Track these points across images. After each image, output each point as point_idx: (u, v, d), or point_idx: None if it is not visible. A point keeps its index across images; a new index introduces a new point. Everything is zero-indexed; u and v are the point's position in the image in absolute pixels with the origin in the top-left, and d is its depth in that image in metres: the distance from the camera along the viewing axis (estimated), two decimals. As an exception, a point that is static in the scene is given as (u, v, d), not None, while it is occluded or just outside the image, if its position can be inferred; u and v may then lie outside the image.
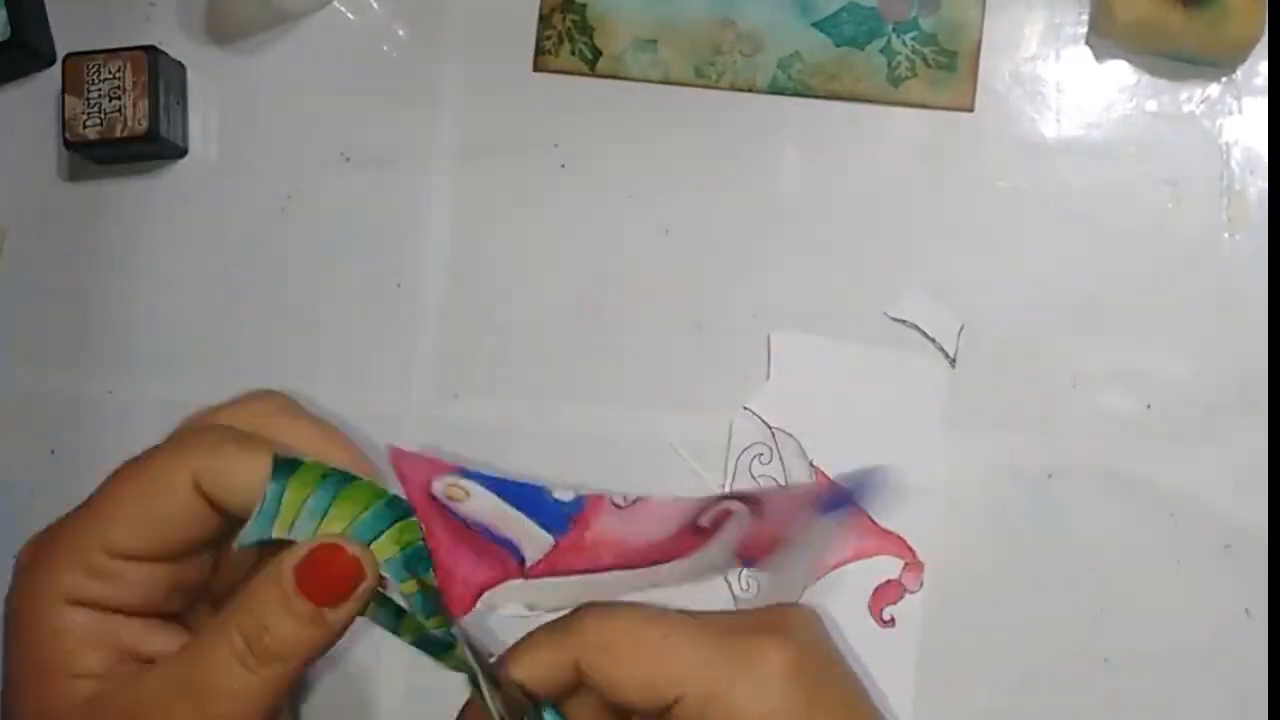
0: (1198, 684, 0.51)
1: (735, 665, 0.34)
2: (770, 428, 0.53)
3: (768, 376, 0.54)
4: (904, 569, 0.46)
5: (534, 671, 0.35)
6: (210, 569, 0.37)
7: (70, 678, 0.33)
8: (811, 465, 0.53)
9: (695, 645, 0.35)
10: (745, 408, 0.54)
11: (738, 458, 0.53)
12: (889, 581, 0.47)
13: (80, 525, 0.34)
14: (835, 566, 0.47)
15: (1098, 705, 0.52)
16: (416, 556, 0.34)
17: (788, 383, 0.54)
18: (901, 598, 0.47)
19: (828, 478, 0.53)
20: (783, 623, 0.37)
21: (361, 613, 0.34)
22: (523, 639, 0.36)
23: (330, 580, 0.33)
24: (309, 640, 0.33)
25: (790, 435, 0.53)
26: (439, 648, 0.36)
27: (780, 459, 0.53)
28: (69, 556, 0.34)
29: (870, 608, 0.46)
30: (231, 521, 0.35)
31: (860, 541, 0.46)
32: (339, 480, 0.34)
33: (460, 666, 0.35)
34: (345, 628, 0.34)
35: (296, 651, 0.33)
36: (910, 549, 0.47)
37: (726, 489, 0.53)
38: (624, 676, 0.35)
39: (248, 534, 0.33)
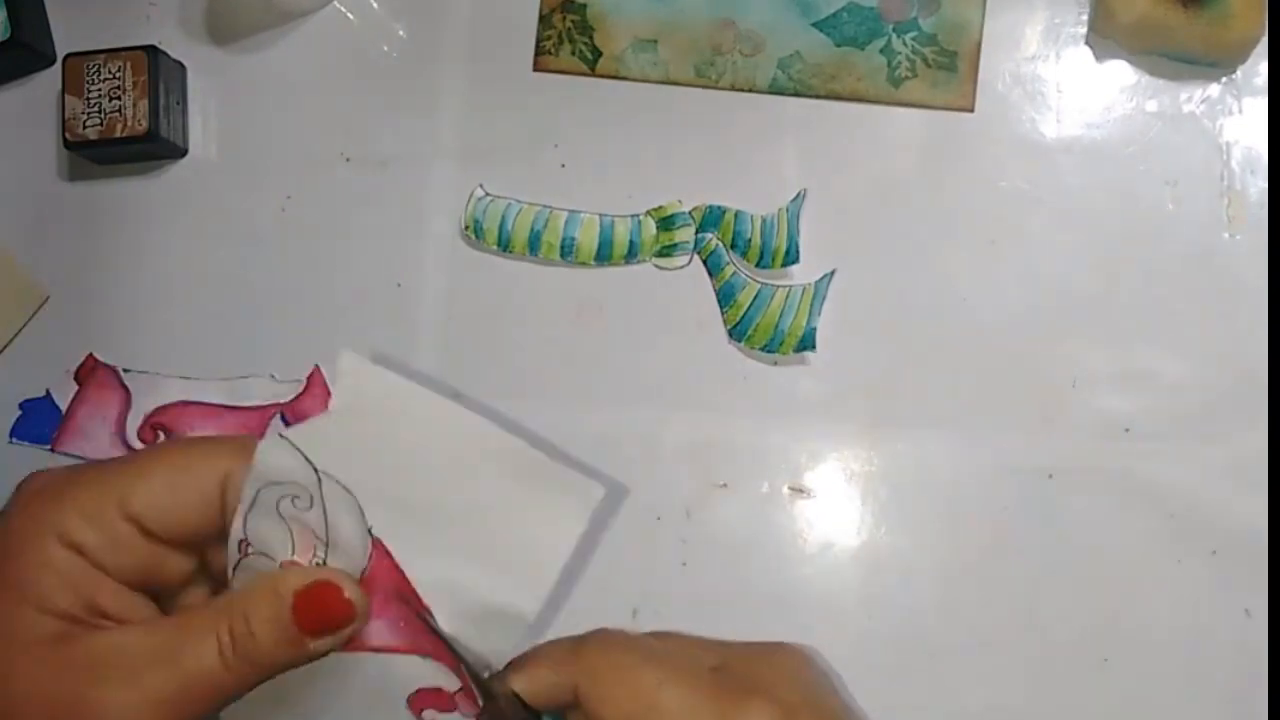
0: (1198, 684, 0.51)
1: None
2: (315, 469, 0.37)
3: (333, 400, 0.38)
4: (459, 692, 0.37)
5: (535, 687, 0.37)
6: (189, 575, 0.38)
7: (39, 611, 0.34)
8: (370, 532, 0.37)
9: (685, 700, 0.36)
10: (282, 435, 0.37)
11: (258, 490, 0.36)
12: (440, 690, 0.38)
13: (104, 475, 0.35)
14: (376, 649, 0.37)
15: (1098, 705, 0.52)
16: None
17: (354, 419, 0.38)
18: (452, 710, 0.38)
19: (389, 555, 0.38)
20: (775, 674, 0.37)
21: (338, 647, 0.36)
22: (528, 652, 0.37)
23: (324, 615, 0.35)
24: (286, 657, 0.35)
25: (342, 486, 0.37)
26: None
27: (324, 510, 0.37)
28: (81, 498, 0.35)
29: (410, 704, 0.38)
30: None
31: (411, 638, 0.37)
32: None
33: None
34: (322, 655, 0.35)
35: (272, 664, 0.35)
36: (461, 675, 0.37)
37: (240, 525, 0.37)
38: (613, 714, 0.36)
39: None
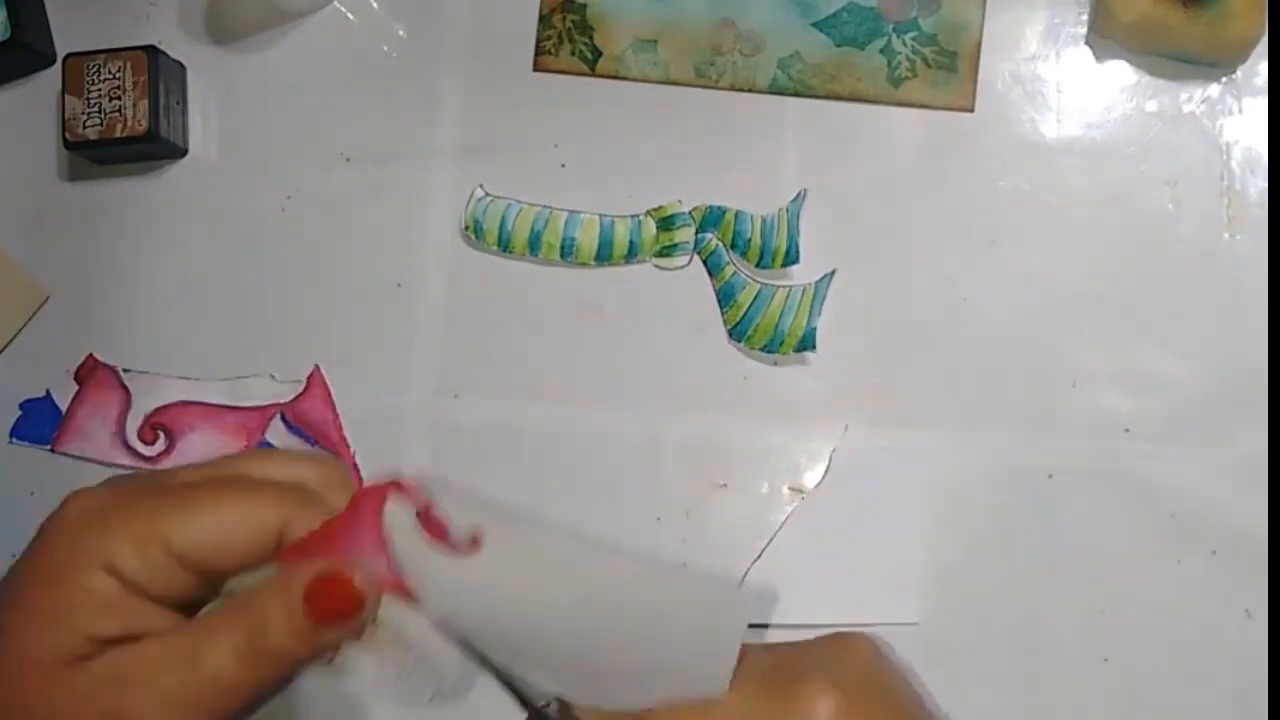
0: (1198, 684, 0.51)
1: (781, 717, 0.35)
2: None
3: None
4: None
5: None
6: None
7: (76, 634, 0.34)
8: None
9: (743, 698, 0.36)
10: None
11: None
12: None
13: (156, 508, 0.35)
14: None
15: (1098, 705, 0.52)
16: None
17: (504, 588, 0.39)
18: None
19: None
20: (832, 659, 0.37)
21: (352, 638, 0.36)
22: None
23: (333, 604, 0.35)
24: (299, 651, 0.35)
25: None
26: None
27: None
28: (129, 530, 0.35)
29: None
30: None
31: None
32: None
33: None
34: (333, 650, 0.35)
35: (285, 658, 0.35)
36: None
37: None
38: None
39: None
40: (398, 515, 0.36)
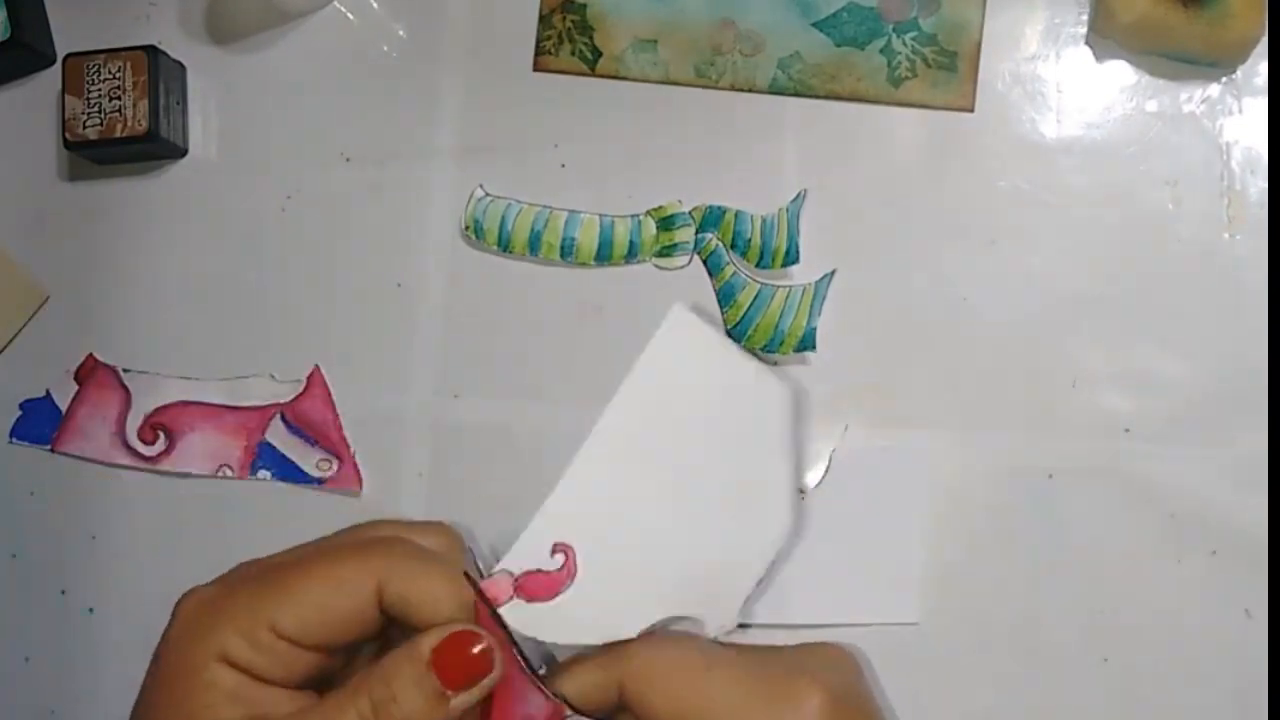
0: (1198, 684, 0.51)
1: (771, 705, 0.36)
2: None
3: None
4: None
5: (580, 688, 0.38)
6: (348, 659, 0.39)
7: None
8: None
9: (734, 682, 0.36)
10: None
11: None
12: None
13: (256, 595, 0.36)
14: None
15: (1097, 705, 0.52)
16: None
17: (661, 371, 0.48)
18: None
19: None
20: (820, 663, 0.38)
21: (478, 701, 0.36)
22: (571, 658, 0.38)
23: (462, 666, 0.35)
24: (429, 717, 0.35)
25: None
26: None
27: None
28: (236, 622, 0.36)
29: None
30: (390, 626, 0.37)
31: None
32: None
33: None
34: (462, 713, 0.36)
35: None
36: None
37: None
38: (664, 706, 0.36)
39: None
40: (509, 610, 0.37)
